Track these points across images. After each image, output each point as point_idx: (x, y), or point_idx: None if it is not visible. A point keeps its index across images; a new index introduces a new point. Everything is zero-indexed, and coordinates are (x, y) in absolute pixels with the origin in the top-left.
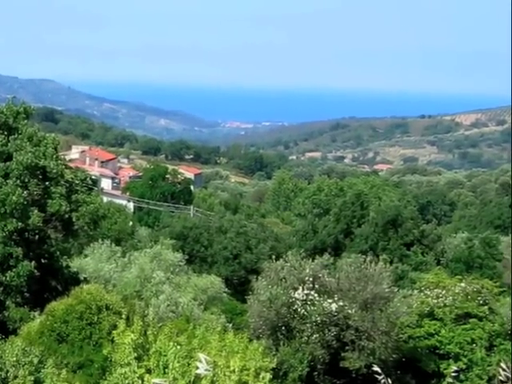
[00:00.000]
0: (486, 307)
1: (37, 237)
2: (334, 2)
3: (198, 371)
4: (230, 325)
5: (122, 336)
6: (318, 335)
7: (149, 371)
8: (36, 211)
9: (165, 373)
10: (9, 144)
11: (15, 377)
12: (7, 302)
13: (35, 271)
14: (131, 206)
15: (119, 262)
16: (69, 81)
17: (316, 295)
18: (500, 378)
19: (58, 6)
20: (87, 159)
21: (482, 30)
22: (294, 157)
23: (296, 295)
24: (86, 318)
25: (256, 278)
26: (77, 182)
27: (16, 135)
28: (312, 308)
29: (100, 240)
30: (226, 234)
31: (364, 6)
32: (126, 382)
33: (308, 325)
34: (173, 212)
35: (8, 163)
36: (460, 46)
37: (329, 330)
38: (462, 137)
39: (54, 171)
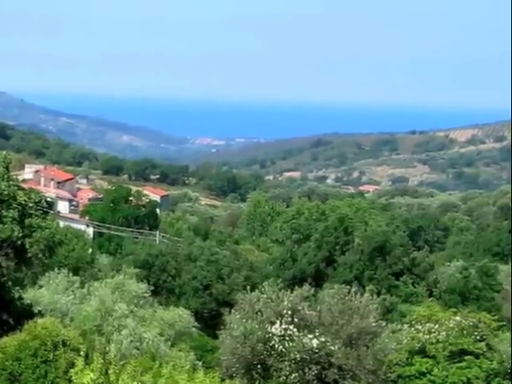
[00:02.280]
0: (483, 343)
1: None
2: (315, 5)
3: None
4: (200, 363)
5: (81, 375)
6: (297, 374)
7: None
8: None
9: None
10: None
11: None
12: None
13: None
14: (91, 231)
15: (77, 293)
16: (21, 92)
17: (295, 330)
18: None
19: (10, 9)
20: (42, 179)
21: (478, 36)
22: (271, 177)
23: (273, 330)
24: (41, 355)
25: (229, 311)
26: (30, 204)
27: None
28: (291, 344)
29: (56, 269)
30: (195, 263)
31: (349, 10)
32: None
33: (286, 363)
34: (137, 238)
35: None
36: (455, 54)
37: (309, 369)
38: (456, 155)
39: (6, 193)
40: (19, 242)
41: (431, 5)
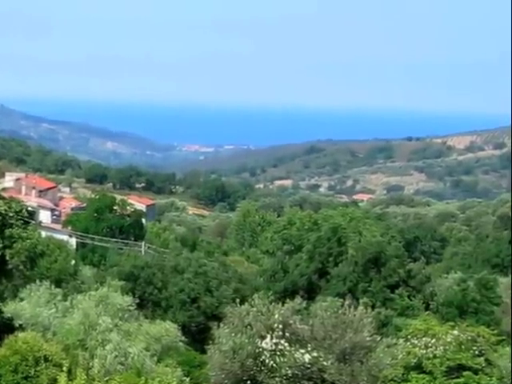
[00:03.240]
0: (482, 358)
1: None
2: (308, 7)
3: None
4: (188, 379)
5: None
6: None
7: None
8: None
9: None
10: None
11: None
12: None
13: None
14: (73, 241)
15: (60, 306)
16: (1, 97)
17: (286, 345)
18: None
19: None
20: (23, 188)
21: (476, 38)
22: (262, 185)
23: (263, 345)
24: (22, 370)
25: (217, 325)
26: (11, 214)
27: None
28: (282, 359)
29: (38, 281)
30: (182, 275)
31: (342, 12)
32: None
33: (277, 379)
34: (121, 249)
35: None
36: (452, 57)
37: None
38: (454, 162)
39: None
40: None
41: (427, 8)
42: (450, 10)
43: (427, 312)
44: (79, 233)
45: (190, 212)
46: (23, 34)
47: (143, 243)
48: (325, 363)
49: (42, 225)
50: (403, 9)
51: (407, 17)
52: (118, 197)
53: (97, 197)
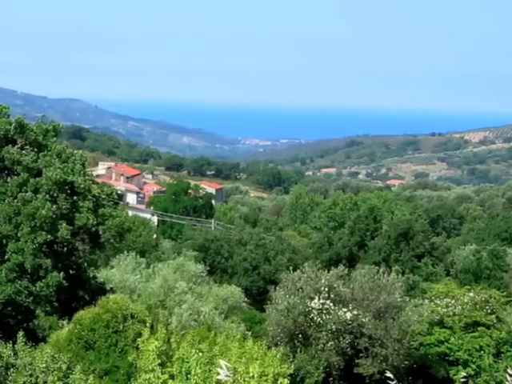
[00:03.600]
0: (493, 316)
1: (65, 249)
2: (347, 25)
3: (219, 377)
4: (250, 333)
5: (147, 343)
6: (333, 343)
7: (172, 377)
8: (64, 224)
9: (187, 378)
10: (39, 160)
11: (45, 382)
12: (37, 311)
13: (64, 282)
14: (155, 219)
15: (144, 272)
16: (96, 100)
17: (331, 304)
18: (507, 383)
19: (86, 28)
20: (113, 175)
21: (489, 52)
22: (311, 172)
23: (312, 304)
24: (112, 326)
25: (274, 288)
26: (103, 196)
27: (45, 152)
28: (327, 317)
29: (125, 252)
30: (245, 246)
31: (375, 29)
32: None
33: (324, 333)
34: (195, 225)
35: (38, 179)
36: (469, 66)
37: (344, 338)
38: (470, 153)
39: (82, 186)
40: (94, 229)
41: (450, 24)
42: (469, 28)
43: (448, 277)
44: (160, 212)
45: (252, 195)
46: (111, 47)
47: (213, 220)
48: (363, 320)
49: (129, 205)
50: (429, 26)
51: (432, 30)
52: (192, 182)
53: (174, 182)
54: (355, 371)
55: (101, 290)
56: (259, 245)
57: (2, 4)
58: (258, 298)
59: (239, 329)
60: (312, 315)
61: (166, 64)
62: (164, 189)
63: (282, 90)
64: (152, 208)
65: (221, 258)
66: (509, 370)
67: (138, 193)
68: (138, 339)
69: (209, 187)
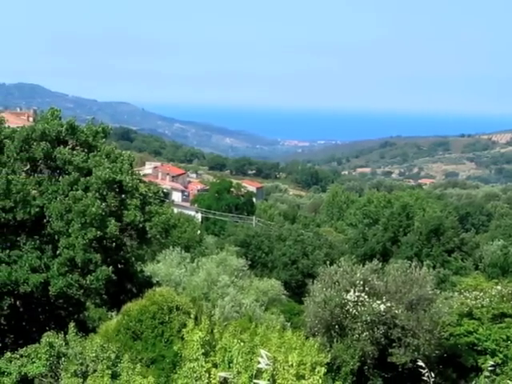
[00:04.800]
0: None
1: (114, 244)
2: (381, 32)
3: (259, 365)
4: (289, 324)
5: (191, 334)
6: (367, 333)
7: (215, 366)
8: (113, 221)
9: (229, 367)
10: (89, 160)
11: (94, 370)
12: (87, 304)
13: (112, 275)
14: (199, 216)
15: (188, 266)
16: (143, 103)
17: (366, 297)
18: None
19: (135, 36)
20: (159, 174)
21: None
22: (346, 172)
23: (348, 297)
24: (159, 317)
25: (312, 282)
26: (150, 194)
27: (95, 152)
28: (362, 308)
29: (171, 247)
30: (284, 242)
31: (407, 35)
32: (195, 375)
33: (359, 324)
34: (237, 222)
35: (88, 178)
36: (497, 71)
37: (378, 329)
38: (498, 154)
39: (130, 185)
40: (141, 225)
41: (479, 30)
42: (499, 36)
43: (476, 271)
44: (204, 209)
45: (291, 193)
46: (158, 53)
47: (254, 217)
48: (396, 311)
49: (175, 203)
50: (460, 33)
51: (462, 37)
52: (234, 181)
53: (217, 181)
54: (388, 360)
55: (148, 283)
56: (298, 240)
57: (56, 13)
58: (297, 290)
59: (279, 320)
60: (348, 307)
61: (209, 69)
62: (208, 187)
63: (320, 93)
64: (196, 205)
65: (261, 253)
66: None
67: (182, 191)
68: (183, 330)
69: (250, 186)
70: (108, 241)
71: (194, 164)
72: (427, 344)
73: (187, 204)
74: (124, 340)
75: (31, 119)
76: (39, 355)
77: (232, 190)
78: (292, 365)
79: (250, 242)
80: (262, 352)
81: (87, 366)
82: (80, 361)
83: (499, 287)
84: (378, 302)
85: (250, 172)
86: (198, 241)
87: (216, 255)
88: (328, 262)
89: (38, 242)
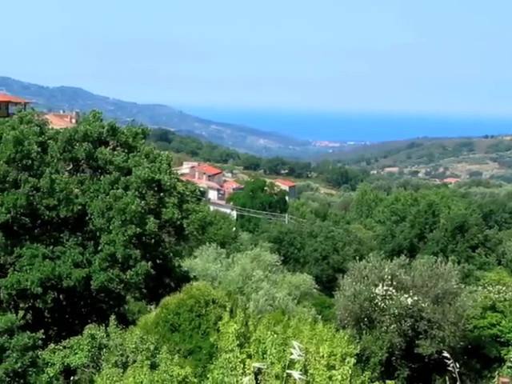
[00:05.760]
0: None
1: (153, 240)
2: (407, 38)
3: (292, 356)
4: (320, 316)
5: (227, 326)
6: (395, 325)
7: (249, 356)
8: (152, 218)
9: (263, 358)
10: (129, 160)
11: (134, 361)
12: (127, 297)
13: (151, 270)
14: (234, 214)
15: (224, 262)
16: (180, 106)
17: (394, 291)
18: None
19: (170, 41)
20: (196, 173)
21: None
22: (375, 171)
23: (376, 291)
24: (196, 310)
25: (342, 276)
26: (187, 193)
27: (135, 153)
28: (390, 302)
29: (207, 243)
30: (316, 238)
31: (433, 41)
32: (230, 366)
33: (387, 316)
34: (270, 219)
35: (128, 177)
36: None
37: (405, 321)
38: None
39: (168, 184)
40: (178, 223)
41: (502, 35)
42: None
43: (499, 266)
44: (239, 207)
45: (322, 191)
46: (195, 58)
47: (286, 215)
48: (423, 305)
49: (211, 201)
50: (483, 35)
51: (490, 41)
52: (268, 180)
53: (252, 180)
54: (415, 351)
55: (185, 278)
56: (328, 237)
57: (97, 20)
58: (328, 285)
59: (310, 313)
60: (376, 300)
61: (244, 73)
62: (242, 186)
63: (349, 96)
64: (231, 203)
65: (294, 249)
66: None
67: (218, 190)
68: (219, 322)
69: (283, 185)
70: (147, 237)
71: (229, 164)
72: (452, 336)
73: (223, 202)
74: (162, 332)
75: (74, 121)
76: (81, 346)
77: (266, 188)
78: (323, 356)
79: (283, 239)
80: (295, 343)
81: (127, 356)
82: (120, 352)
83: None
84: (406, 295)
85: (282, 171)
86: (233, 237)
87: (250, 251)
88: (357, 258)
89: (80, 238)
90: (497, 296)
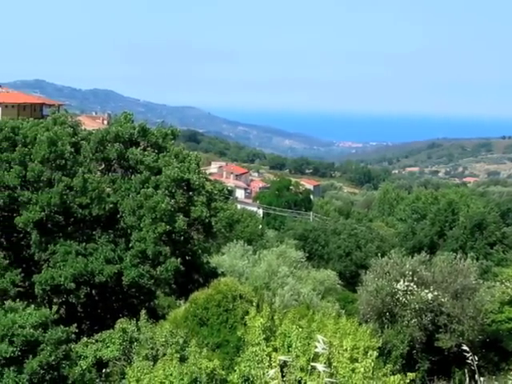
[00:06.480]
0: None
1: (182, 238)
2: (425, 43)
3: (316, 350)
4: (343, 311)
5: (253, 320)
6: (416, 320)
7: (275, 350)
8: (181, 216)
9: (289, 351)
10: (159, 160)
11: (164, 354)
12: (157, 292)
13: (181, 267)
14: (261, 212)
15: (251, 258)
16: (208, 107)
17: (415, 286)
18: None
19: (198, 44)
20: (224, 173)
21: None
22: (396, 171)
23: (398, 286)
24: (223, 305)
25: (365, 272)
26: (215, 192)
27: (165, 153)
28: (411, 297)
29: (235, 240)
30: (339, 236)
31: (450, 45)
32: (257, 358)
33: (408, 311)
34: (295, 217)
35: (158, 176)
36: None
37: (425, 316)
38: None
39: (197, 183)
40: (207, 220)
41: None
42: None
43: None
44: (265, 205)
45: (345, 190)
46: (222, 61)
47: (311, 213)
48: (442, 300)
49: (238, 200)
50: (498, 40)
51: (502, 46)
52: (293, 179)
53: (278, 179)
54: (435, 345)
55: (213, 274)
56: (351, 234)
57: (128, 24)
58: (351, 280)
59: (334, 307)
60: (398, 296)
61: (270, 75)
62: (268, 185)
63: (371, 98)
64: (258, 202)
65: (318, 246)
66: None
67: (245, 189)
68: (246, 317)
69: (307, 184)
70: (176, 235)
71: (255, 164)
72: (471, 330)
73: (249, 201)
74: (191, 326)
75: (105, 122)
76: (113, 340)
77: (291, 187)
78: (346, 349)
79: (308, 236)
80: (319, 337)
81: (157, 350)
82: (151, 345)
83: None
84: (426, 291)
85: (307, 171)
86: (259, 234)
87: (276, 248)
88: (379, 254)
89: (111, 235)
90: None
